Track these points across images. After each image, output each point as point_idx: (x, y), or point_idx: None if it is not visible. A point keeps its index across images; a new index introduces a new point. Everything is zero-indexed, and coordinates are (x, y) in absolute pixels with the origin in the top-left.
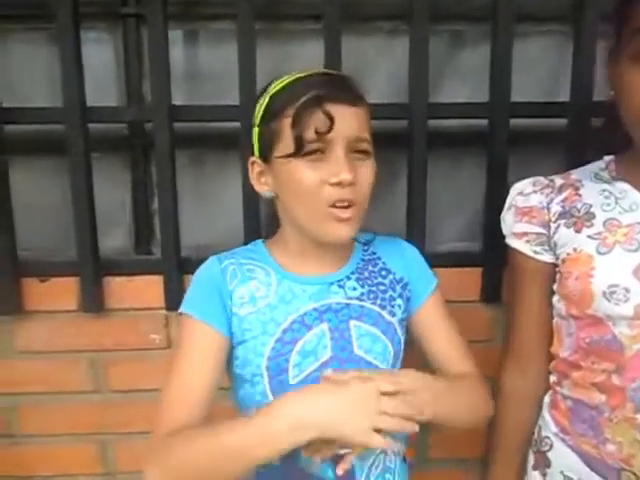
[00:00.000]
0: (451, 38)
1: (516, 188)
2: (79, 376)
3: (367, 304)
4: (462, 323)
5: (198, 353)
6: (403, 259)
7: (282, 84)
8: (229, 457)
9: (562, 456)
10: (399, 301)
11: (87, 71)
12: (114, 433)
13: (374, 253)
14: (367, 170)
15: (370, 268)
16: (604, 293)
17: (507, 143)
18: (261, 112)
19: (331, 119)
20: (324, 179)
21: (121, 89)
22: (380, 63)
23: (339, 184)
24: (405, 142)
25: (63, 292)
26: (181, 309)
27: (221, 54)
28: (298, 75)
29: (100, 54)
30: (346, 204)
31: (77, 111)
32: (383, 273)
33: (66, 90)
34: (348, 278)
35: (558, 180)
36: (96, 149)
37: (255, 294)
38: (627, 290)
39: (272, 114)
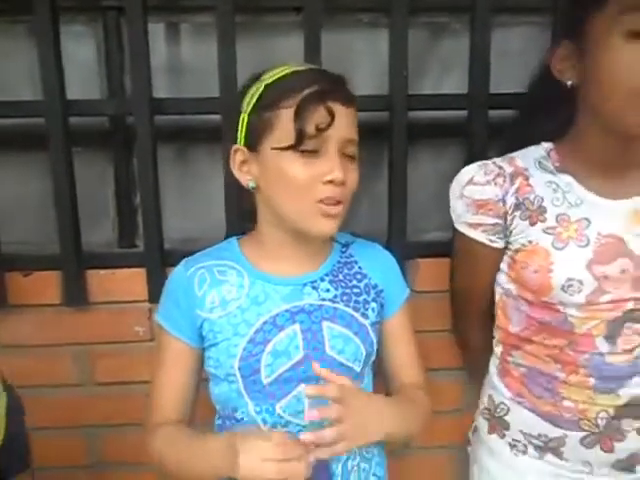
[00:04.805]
0: (431, 30)
1: (465, 174)
2: (64, 369)
3: (340, 306)
4: (444, 312)
5: (170, 362)
6: (380, 266)
7: (279, 74)
8: (189, 468)
9: (520, 417)
10: (373, 304)
11: (68, 65)
12: (100, 426)
13: (351, 256)
14: (354, 173)
15: (346, 271)
16: (562, 286)
17: (486, 134)
18: (253, 100)
19: (332, 115)
20: (316, 176)
21: (103, 82)
22: (360, 55)
23: (332, 182)
24: (386, 133)
25: (46, 286)
26: (156, 317)
27: (202, 47)
28: (295, 68)
29: (81, 47)
30: (334, 202)
31: (57, 104)
32: (358, 277)
33: (46, 83)
34: (322, 279)
35: (506, 167)
36: (78, 143)
37: (226, 297)
38: (581, 282)
39: (267, 104)
